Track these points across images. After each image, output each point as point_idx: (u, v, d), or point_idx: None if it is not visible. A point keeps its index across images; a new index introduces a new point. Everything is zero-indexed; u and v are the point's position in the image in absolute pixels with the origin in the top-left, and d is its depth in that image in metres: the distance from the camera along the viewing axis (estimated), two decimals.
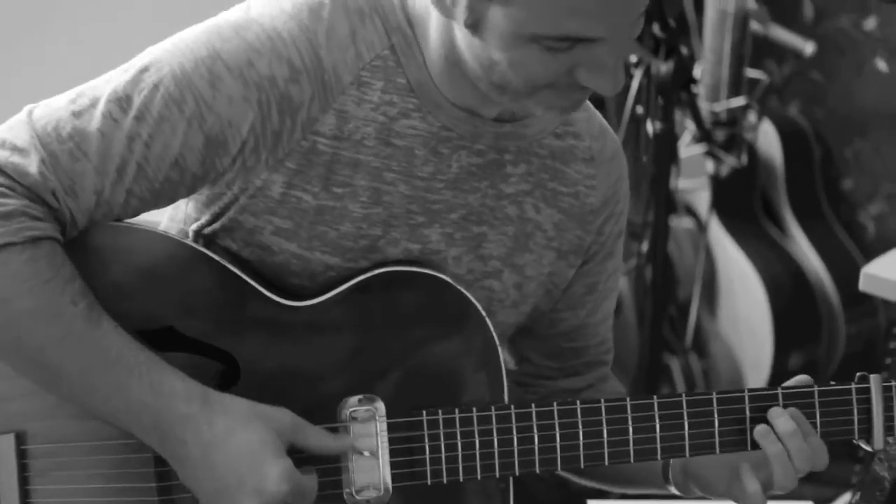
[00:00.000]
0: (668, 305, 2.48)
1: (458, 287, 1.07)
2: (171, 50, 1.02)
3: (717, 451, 1.07)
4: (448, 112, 1.06)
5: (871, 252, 2.33)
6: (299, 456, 1.01)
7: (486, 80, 1.00)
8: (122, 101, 1.00)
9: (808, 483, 2.43)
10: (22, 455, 1.05)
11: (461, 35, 0.99)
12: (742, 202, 2.51)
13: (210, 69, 1.00)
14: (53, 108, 1.01)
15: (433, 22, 1.02)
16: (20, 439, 1.04)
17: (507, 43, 0.95)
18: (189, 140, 1.00)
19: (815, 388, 1.07)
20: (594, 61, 0.96)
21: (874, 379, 1.07)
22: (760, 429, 1.05)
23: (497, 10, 0.95)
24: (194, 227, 1.09)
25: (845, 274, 2.39)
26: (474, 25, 0.97)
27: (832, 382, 1.08)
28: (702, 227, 2.48)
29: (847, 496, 2.10)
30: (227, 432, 0.98)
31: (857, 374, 1.08)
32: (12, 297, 0.98)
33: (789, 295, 2.44)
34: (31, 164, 0.99)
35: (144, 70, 1.01)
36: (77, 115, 1.00)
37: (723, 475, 1.09)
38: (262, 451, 0.98)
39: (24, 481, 1.04)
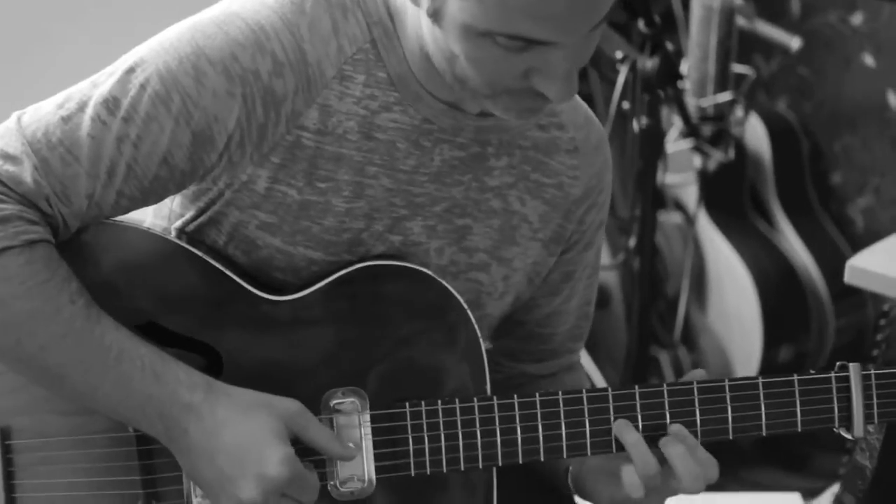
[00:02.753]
0: (657, 299, 2.48)
1: (440, 280, 1.08)
2: (155, 49, 1.02)
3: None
4: (429, 105, 1.06)
5: (860, 245, 2.33)
6: (298, 447, 1.01)
7: (450, 73, 1.00)
8: (109, 103, 1.00)
9: (796, 475, 2.45)
10: (6, 450, 1.05)
11: (426, 24, 1.00)
12: (730, 197, 2.52)
13: (195, 65, 1.01)
14: (42, 114, 1.02)
15: (409, 13, 1.03)
16: (4, 434, 1.05)
17: (462, 35, 0.95)
18: (177, 137, 1.01)
19: (795, 377, 1.08)
20: (547, 67, 0.96)
21: (853, 367, 1.08)
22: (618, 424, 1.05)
23: (454, 1, 0.95)
24: (178, 223, 1.10)
25: (834, 267, 2.39)
26: (435, 14, 0.97)
27: (812, 371, 1.08)
28: (690, 222, 2.48)
29: (835, 488, 2.11)
30: (228, 420, 0.99)
31: (837, 363, 1.09)
32: (11, 299, 0.98)
33: (778, 288, 2.45)
34: (25, 172, 0.99)
35: (130, 71, 1.02)
36: (66, 119, 1.00)
37: (604, 484, 1.09)
38: (264, 437, 0.98)
39: (8, 476, 1.05)
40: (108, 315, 1.01)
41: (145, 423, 1.01)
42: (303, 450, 1.02)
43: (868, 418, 1.08)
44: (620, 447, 1.06)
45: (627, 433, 1.05)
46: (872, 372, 1.08)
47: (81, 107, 1.01)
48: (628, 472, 1.04)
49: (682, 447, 1.04)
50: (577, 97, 1.16)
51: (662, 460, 1.05)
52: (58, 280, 0.99)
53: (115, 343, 1.00)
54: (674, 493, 1.06)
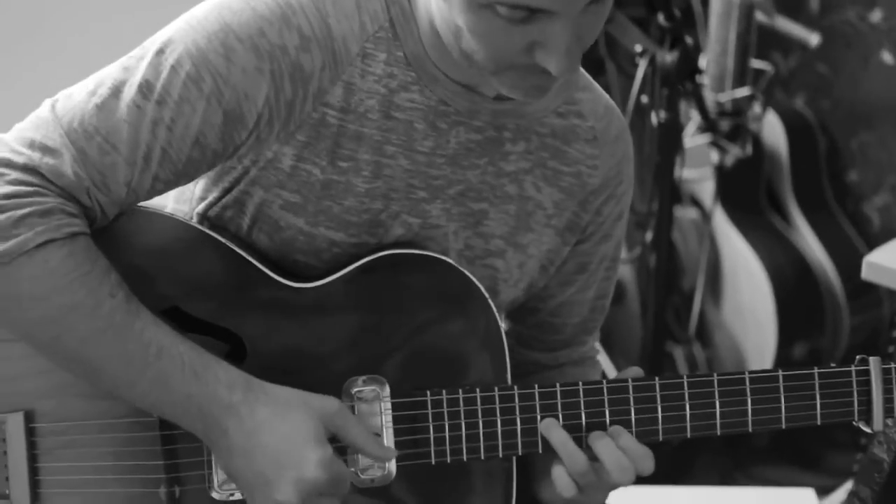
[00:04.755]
0: (672, 295, 2.48)
1: (462, 269, 1.08)
2: (183, 28, 1.02)
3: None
4: (445, 86, 1.06)
5: (876, 243, 2.33)
6: (337, 445, 1.02)
7: (457, 49, 1.00)
8: (143, 87, 1.00)
9: (809, 472, 2.44)
10: (31, 433, 1.06)
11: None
12: (747, 193, 2.52)
13: (223, 42, 1.00)
14: (76, 102, 1.01)
15: None
16: (29, 418, 1.05)
17: (466, 6, 0.95)
18: (209, 117, 1.01)
19: (816, 371, 1.08)
20: (548, 40, 0.95)
21: (874, 361, 1.08)
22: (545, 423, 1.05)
23: None
24: (201, 207, 1.10)
25: (849, 265, 2.39)
26: None
27: (832, 365, 1.08)
28: (706, 217, 2.48)
29: (848, 485, 2.10)
30: (268, 420, 0.99)
31: (857, 356, 1.09)
32: (52, 292, 0.98)
33: (793, 285, 2.44)
34: (65, 165, 0.99)
35: (160, 52, 1.01)
36: (101, 107, 1.00)
37: (545, 483, 1.09)
38: (302, 438, 0.98)
39: (32, 459, 1.06)
40: (147, 308, 1.00)
41: (185, 420, 1.01)
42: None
43: (888, 412, 1.08)
44: (641, 436, 1.06)
45: (553, 432, 1.05)
46: (893, 366, 1.08)
47: (115, 93, 1.01)
48: (558, 473, 1.05)
49: (607, 440, 1.04)
50: (600, 88, 1.16)
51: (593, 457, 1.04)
52: (98, 272, 0.99)
53: (154, 339, 0.99)
54: (609, 486, 1.06)
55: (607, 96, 1.16)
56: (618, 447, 1.04)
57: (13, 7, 2.04)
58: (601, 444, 1.04)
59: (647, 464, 1.05)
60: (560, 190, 1.13)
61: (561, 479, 1.04)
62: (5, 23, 2.03)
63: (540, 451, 1.07)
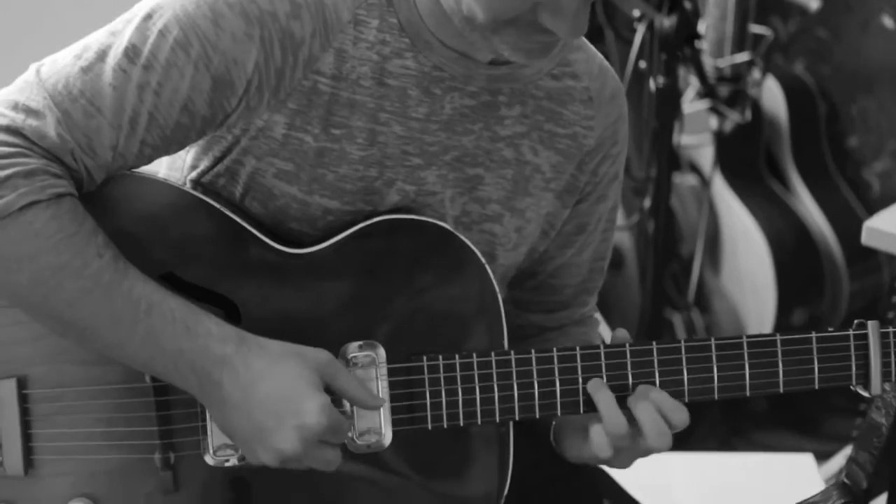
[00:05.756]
0: (671, 261, 2.48)
1: (458, 234, 1.07)
2: None
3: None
4: (439, 52, 1.05)
5: (876, 209, 2.32)
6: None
7: (457, 14, 0.99)
8: (129, 51, 0.99)
9: (808, 438, 2.44)
10: (24, 400, 1.05)
11: None
12: (746, 159, 2.50)
13: (212, 7, 1.00)
14: (61, 66, 1.00)
15: None
16: (22, 384, 1.05)
17: None
18: (197, 83, 1.00)
19: (813, 335, 1.07)
20: (557, 2, 0.94)
21: (872, 325, 1.07)
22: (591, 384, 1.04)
23: None
24: (193, 175, 1.09)
25: (849, 231, 2.38)
26: None
27: (830, 329, 1.08)
28: (705, 184, 2.47)
29: (847, 450, 2.11)
30: (263, 371, 0.98)
31: (856, 321, 1.08)
32: (38, 253, 0.97)
33: (793, 252, 2.44)
34: (49, 126, 0.98)
35: (148, 17, 1.00)
36: (86, 70, 0.99)
37: (575, 440, 1.08)
38: (300, 386, 0.98)
39: (26, 426, 1.05)
40: (136, 268, 1.00)
41: (177, 377, 1.00)
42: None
43: (885, 376, 1.07)
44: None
45: (600, 392, 1.04)
46: (892, 330, 1.07)
47: (101, 56, 1.00)
48: (596, 432, 1.04)
49: (648, 404, 1.03)
50: (594, 48, 1.15)
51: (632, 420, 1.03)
52: (84, 233, 0.98)
53: (143, 296, 0.99)
54: (643, 453, 1.05)
55: (601, 56, 1.15)
56: (658, 411, 1.02)
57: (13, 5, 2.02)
58: (642, 406, 1.03)
59: (682, 416, 1.03)
60: (557, 152, 1.13)
61: (599, 437, 1.03)
62: (5, 20, 2.02)
63: (537, 417, 1.06)
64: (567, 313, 1.24)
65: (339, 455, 1.00)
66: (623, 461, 1.06)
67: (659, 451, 1.03)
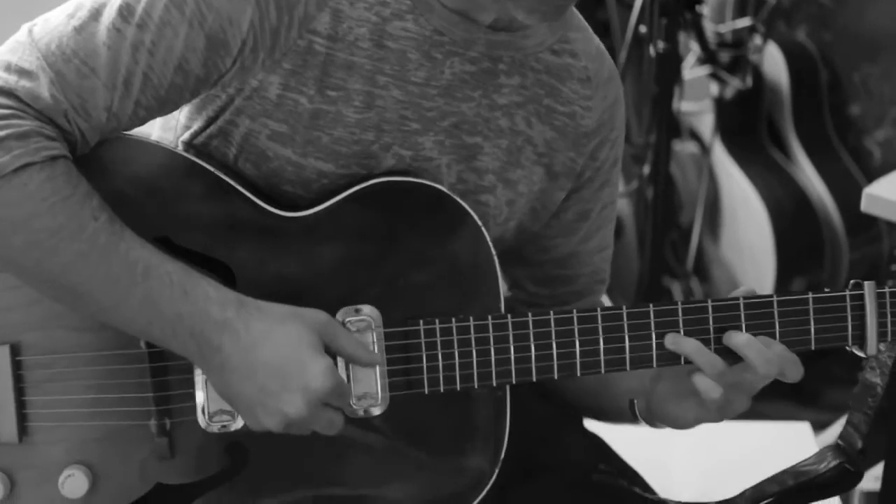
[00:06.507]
0: (670, 229, 2.47)
1: (455, 197, 1.06)
2: None
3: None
4: (441, 15, 1.04)
5: (877, 177, 2.31)
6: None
7: None
8: (123, 10, 0.98)
9: (806, 408, 2.44)
10: (17, 366, 1.05)
11: None
12: (746, 126, 2.49)
13: None
14: (53, 25, 0.99)
15: None
16: (15, 350, 1.04)
17: None
18: (191, 42, 0.99)
19: (810, 296, 1.07)
20: None
21: (868, 285, 1.07)
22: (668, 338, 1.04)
23: None
24: (186, 136, 1.08)
25: (850, 200, 2.37)
26: None
27: (826, 290, 1.07)
28: (705, 151, 2.46)
29: (844, 419, 2.11)
30: (264, 334, 0.97)
31: (852, 281, 1.07)
32: (32, 216, 0.96)
33: (792, 220, 2.43)
34: (42, 87, 0.97)
35: None
36: (79, 29, 0.98)
37: (686, 404, 1.08)
38: (303, 349, 0.97)
39: (20, 392, 1.05)
40: (131, 230, 0.99)
41: (175, 342, 0.99)
42: None
43: (881, 336, 1.07)
44: (636, 363, 1.05)
45: (684, 342, 1.04)
46: (888, 290, 1.07)
47: (94, 15, 0.99)
48: (700, 379, 1.04)
49: (744, 336, 1.03)
50: (589, 29, 1.14)
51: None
52: (80, 196, 0.97)
53: (141, 259, 0.98)
54: (752, 386, 1.05)
55: (597, 38, 1.14)
56: (757, 340, 1.03)
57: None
58: (737, 338, 1.03)
59: (795, 369, 1.04)
60: (553, 129, 1.12)
61: (703, 382, 1.03)
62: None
63: (533, 380, 1.06)
64: (584, 303, 1.22)
65: (341, 417, 1.00)
66: (738, 403, 1.06)
67: (768, 376, 1.03)
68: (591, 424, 1.28)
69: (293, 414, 0.97)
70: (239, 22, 0.99)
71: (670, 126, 2.11)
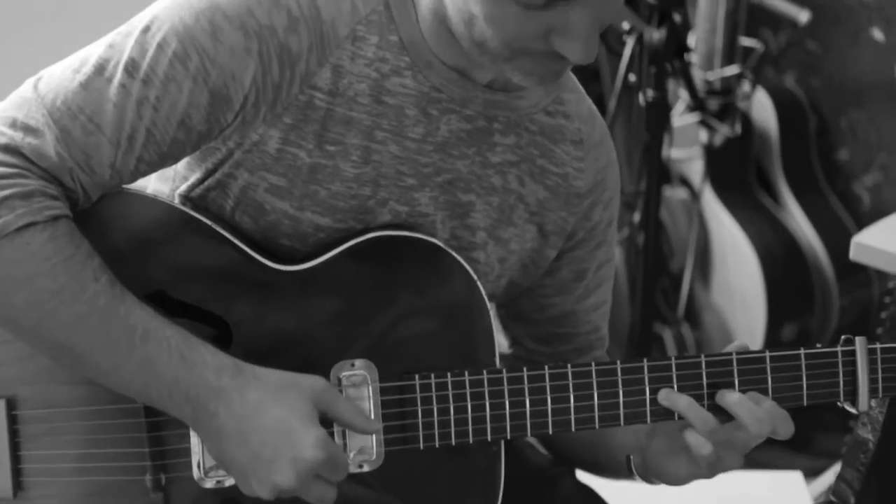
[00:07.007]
0: (661, 275, 2.48)
1: (451, 251, 1.07)
2: (170, 6, 1.01)
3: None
4: (439, 72, 1.05)
5: (866, 223, 2.33)
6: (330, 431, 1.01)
7: (468, 38, 0.99)
8: (128, 65, 0.99)
9: (798, 454, 2.44)
10: (13, 420, 1.05)
11: None
12: (736, 172, 2.51)
13: (211, 21, 0.99)
14: (59, 80, 1.00)
15: None
16: (11, 404, 1.04)
17: None
18: (194, 98, 0.99)
19: (802, 351, 1.07)
20: (568, 26, 0.94)
21: (859, 341, 1.08)
22: (662, 393, 1.05)
23: None
24: (184, 187, 1.09)
25: (839, 245, 2.38)
26: None
27: (818, 346, 1.08)
28: (695, 197, 2.48)
29: (837, 467, 2.11)
30: (259, 404, 0.98)
31: (843, 336, 1.08)
32: (34, 276, 0.96)
33: (783, 265, 2.44)
34: (48, 145, 0.98)
35: (146, 30, 1.00)
36: (85, 85, 0.99)
37: (679, 460, 1.08)
38: (296, 420, 0.97)
39: (15, 447, 1.04)
40: (131, 293, 0.99)
41: (172, 405, 0.99)
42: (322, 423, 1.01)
43: (872, 392, 1.08)
44: (630, 419, 1.06)
45: (677, 398, 1.05)
46: (878, 346, 1.07)
47: (100, 71, 0.99)
48: (691, 435, 1.05)
49: (736, 395, 1.04)
50: (582, 90, 1.15)
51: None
52: (81, 256, 0.98)
53: (140, 323, 0.98)
54: (744, 445, 1.05)
55: (589, 100, 1.16)
56: (749, 399, 1.04)
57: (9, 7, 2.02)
58: (729, 398, 1.04)
59: (785, 426, 1.04)
60: (546, 188, 1.13)
61: (694, 438, 1.04)
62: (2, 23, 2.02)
63: (528, 435, 1.06)
64: (584, 361, 1.21)
65: (334, 492, 1.00)
66: (730, 461, 1.06)
67: (760, 436, 1.04)
68: (583, 476, 1.28)
69: (283, 484, 0.97)
70: (242, 78, 1.00)
71: (660, 173, 2.13)
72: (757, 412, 1.04)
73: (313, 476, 0.98)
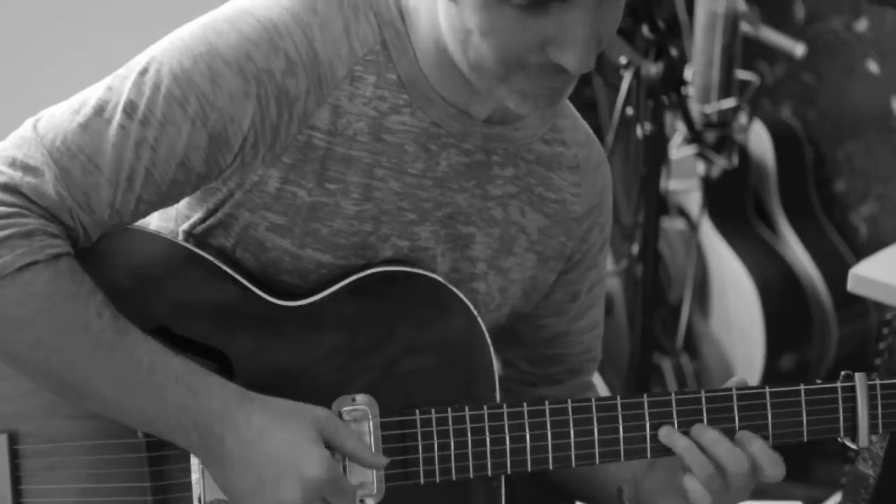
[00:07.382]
0: (660, 306, 2.48)
1: (451, 287, 1.08)
2: (168, 49, 1.02)
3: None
4: (438, 108, 1.06)
5: (863, 253, 2.34)
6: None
7: (465, 61, 0.99)
8: (127, 107, 1.00)
9: (798, 484, 2.44)
10: (14, 455, 1.05)
11: (442, 7, 0.99)
12: (734, 203, 2.52)
13: (209, 65, 1.00)
14: (58, 121, 1.00)
15: (423, 8, 1.03)
16: (13, 439, 1.05)
17: (479, 3, 0.95)
18: (193, 140, 1.00)
19: (802, 387, 1.08)
20: (564, 35, 0.94)
21: (859, 377, 1.08)
22: (663, 431, 1.06)
23: None
24: (186, 225, 1.09)
25: (837, 276, 2.39)
26: None
27: (818, 381, 1.09)
28: (693, 228, 2.49)
29: (837, 497, 2.11)
30: (265, 427, 0.99)
31: (843, 372, 1.09)
32: (38, 315, 0.97)
33: (781, 296, 2.45)
34: (47, 184, 0.98)
35: (144, 72, 1.01)
36: (84, 126, 0.99)
37: (674, 501, 1.09)
38: (301, 442, 0.98)
39: (16, 481, 1.05)
40: (135, 326, 1.00)
41: (179, 433, 1.00)
42: None
43: (873, 428, 1.08)
44: (630, 455, 1.06)
45: (677, 439, 1.05)
46: (878, 382, 1.08)
47: (99, 112, 1.00)
48: (690, 481, 1.05)
49: (725, 442, 1.04)
50: (579, 116, 1.16)
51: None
52: (84, 293, 0.98)
53: (145, 355, 0.99)
54: (735, 491, 1.05)
55: (586, 124, 1.17)
56: (738, 448, 1.04)
57: (8, 15, 2.03)
58: (722, 448, 1.04)
59: (778, 469, 1.05)
60: (545, 216, 1.14)
61: (693, 486, 1.04)
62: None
63: (528, 470, 1.06)
64: (575, 382, 1.23)
65: None
66: None
67: (748, 485, 1.04)
68: None
69: (288, 502, 0.97)
70: (240, 120, 1.01)
71: (659, 204, 2.13)
72: (741, 460, 1.04)
73: (319, 497, 0.99)
